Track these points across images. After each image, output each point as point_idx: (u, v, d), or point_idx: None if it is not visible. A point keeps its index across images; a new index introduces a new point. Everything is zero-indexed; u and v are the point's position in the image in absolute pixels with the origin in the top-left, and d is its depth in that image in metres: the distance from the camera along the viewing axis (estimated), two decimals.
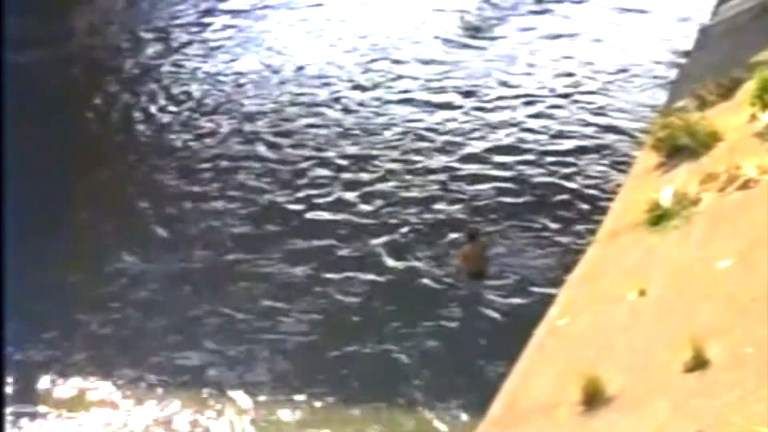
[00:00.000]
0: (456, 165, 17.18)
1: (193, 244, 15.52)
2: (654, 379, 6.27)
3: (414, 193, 16.37)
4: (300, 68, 20.76)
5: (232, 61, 21.42)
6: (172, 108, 19.77)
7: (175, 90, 20.40)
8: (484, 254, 14.91)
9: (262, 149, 18.01)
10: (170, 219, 16.20)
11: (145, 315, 14.08)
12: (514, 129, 18.14)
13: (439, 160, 17.33)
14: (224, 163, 17.68)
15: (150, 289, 14.60)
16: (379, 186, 16.64)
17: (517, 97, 19.26)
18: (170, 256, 15.32)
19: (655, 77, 19.27)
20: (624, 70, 19.82)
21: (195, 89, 20.38)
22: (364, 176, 16.97)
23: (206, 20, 23.27)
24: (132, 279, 14.82)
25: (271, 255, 15.02)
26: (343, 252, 15.07)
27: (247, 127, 18.85)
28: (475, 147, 17.64)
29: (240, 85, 20.38)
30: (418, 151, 17.61)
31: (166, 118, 19.45)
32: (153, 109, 19.78)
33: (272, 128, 18.70)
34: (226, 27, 23.03)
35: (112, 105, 20.09)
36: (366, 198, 16.34)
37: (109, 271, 14.94)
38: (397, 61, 20.64)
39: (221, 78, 20.74)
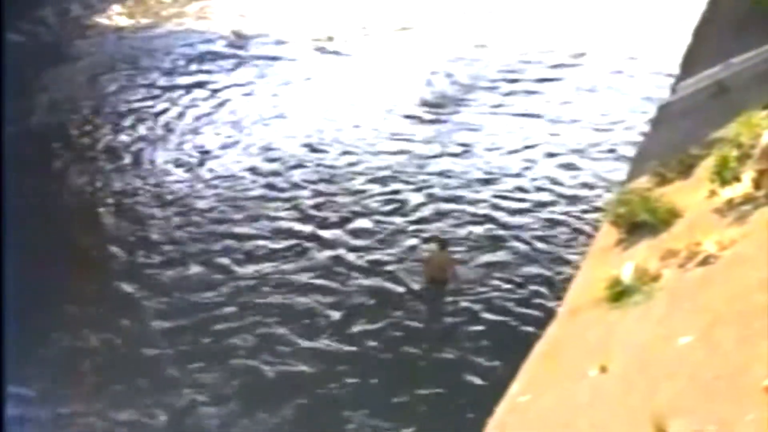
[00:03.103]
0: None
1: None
2: None
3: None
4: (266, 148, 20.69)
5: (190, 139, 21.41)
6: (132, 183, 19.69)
7: (129, 167, 20.33)
8: (449, 264, 15.78)
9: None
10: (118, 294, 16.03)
11: None
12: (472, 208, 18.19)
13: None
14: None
15: None
16: None
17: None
18: None
19: (614, 154, 19.52)
20: (583, 148, 20.06)
21: (158, 161, 20.30)
22: None
23: (163, 102, 23.15)
24: None
25: None
26: None
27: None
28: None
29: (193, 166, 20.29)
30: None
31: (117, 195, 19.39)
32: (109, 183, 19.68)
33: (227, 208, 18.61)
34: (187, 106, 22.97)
35: (67, 179, 19.92)
36: None
37: None
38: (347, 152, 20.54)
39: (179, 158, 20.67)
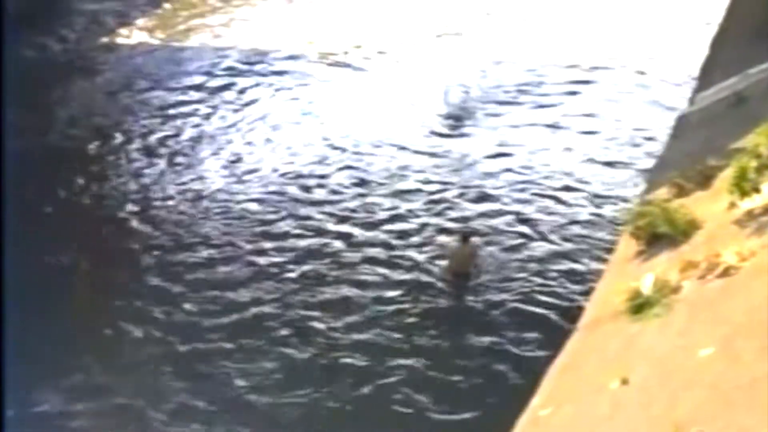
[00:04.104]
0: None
1: None
2: None
3: None
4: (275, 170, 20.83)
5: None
6: (138, 196, 19.79)
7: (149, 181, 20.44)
8: (473, 257, 15.93)
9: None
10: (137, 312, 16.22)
11: None
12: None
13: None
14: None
15: None
16: None
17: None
18: None
19: (633, 165, 19.53)
20: (601, 159, 20.09)
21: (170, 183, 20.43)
22: None
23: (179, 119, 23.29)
24: None
25: None
26: None
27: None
28: None
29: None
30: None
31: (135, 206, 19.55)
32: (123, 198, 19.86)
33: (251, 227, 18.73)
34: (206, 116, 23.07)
35: (86, 192, 20.07)
36: None
37: None
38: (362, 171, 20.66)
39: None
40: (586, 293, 11.81)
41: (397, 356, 14.64)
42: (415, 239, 17.74)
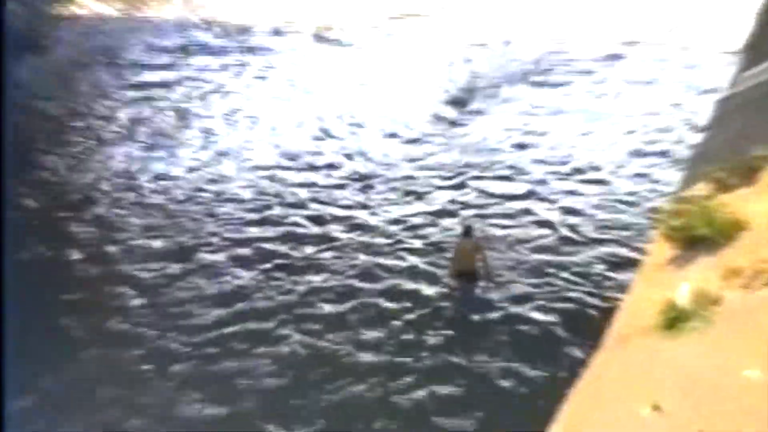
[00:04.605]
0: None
1: None
2: None
3: None
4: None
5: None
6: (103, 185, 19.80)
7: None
8: (477, 252, 15.44)
9: None
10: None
11: None
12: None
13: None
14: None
15: None
16: None
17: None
18: None
19: (666, 157, 19.48)
20: (630, 149, 20.02)
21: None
22: None
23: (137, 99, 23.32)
24: None
25: None
26: None
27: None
28: None
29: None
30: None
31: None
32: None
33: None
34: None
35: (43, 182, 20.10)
36: None
37: None
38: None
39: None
40: (613, 303, 11.66)
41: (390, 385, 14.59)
42: (420, 234, 17.65)
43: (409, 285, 16.56)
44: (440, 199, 19.12)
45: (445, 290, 16.15)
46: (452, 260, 16.09)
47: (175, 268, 17.45)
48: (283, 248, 17.86)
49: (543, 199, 19.00)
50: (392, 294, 16.37)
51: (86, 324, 16.07)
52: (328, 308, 16.13)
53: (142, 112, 22.73)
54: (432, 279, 16.51)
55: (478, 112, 22.32)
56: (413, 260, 17.16)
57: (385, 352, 15.08)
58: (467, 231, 16.11)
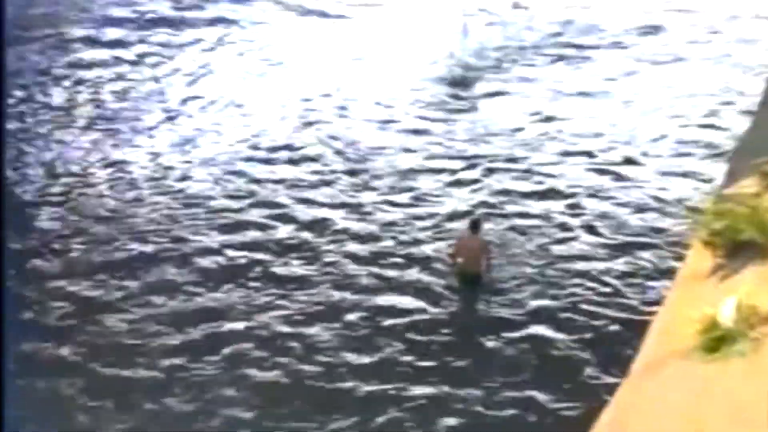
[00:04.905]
0: None
1: None
2: None
3: None
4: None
5: None
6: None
7: None
8: (484, 252, 15.23)
9: None
10: None
11: None
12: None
13: None
14: None
15: None
16: None
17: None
18: None
19: (709, 147, 19.32)
20: (664, 138, 19.84)
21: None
22: None
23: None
24: None
25: None
26: None
27: None
28: None
29: None
30: None
31: None
32: None
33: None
34: None
35: None
36: None
37: None
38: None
39: None
40: (644, 319, 11.43)
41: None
42: (416, 234, 17.47)
43: (405, 300, 16.36)
44: (444, 199, 18.90)
45: (445, 308, 15.97)
46: (452, 256, 15.95)
47: (125, 284, 17.20)
48: (257, 257, 17.66)
49: (565, 197, 18.78)
50: (385, 311, 16.17)
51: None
52: (307, 329, 15.92)
53: (89, 94, 22.55)
54: (431, 293, 16.33)
55: (488, 95, 22.13)
56: (411, 273, 16.95)
57: (376, 380, 14.88)
58: (475, 225, 16.01)
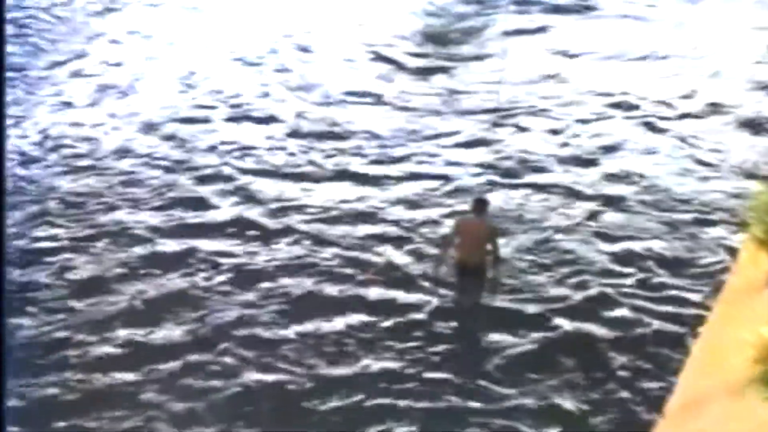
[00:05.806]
0: None
1: None
2: None
3: None
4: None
5: None
6: None
7: None
8: (489, 239, 14.01)
9: None
10: None
11: None
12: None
13: None
14: None
15: None
16: None
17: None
18: None
19: (751, 128, 17.89)
20: (707, 112, 18.39)
21: None
22: None
23: None
24: None
25: None
26: None
27: None
28: None
29: None
30: None
31: None
32: None
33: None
34: None
35: None
36: None
37: None
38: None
39: None
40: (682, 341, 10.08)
41: None
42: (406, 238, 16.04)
43: (391, 293, 14.67)
44: (431, 186, 17.25)
45: (445, 305, 14.32)
46: (445, 244, 14.12)
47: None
48: (181, 245, 15.90)
49: (583, 185, 17.32)
50: (370, 307, 14.55)
51: None
52: (272, 335, 14.30)
53: None
54: (417, 288, 14.70)
55: (478, 57, 20.68)
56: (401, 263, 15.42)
57: (355, 395, 13.25)
58: (479, 206, 14.07)
